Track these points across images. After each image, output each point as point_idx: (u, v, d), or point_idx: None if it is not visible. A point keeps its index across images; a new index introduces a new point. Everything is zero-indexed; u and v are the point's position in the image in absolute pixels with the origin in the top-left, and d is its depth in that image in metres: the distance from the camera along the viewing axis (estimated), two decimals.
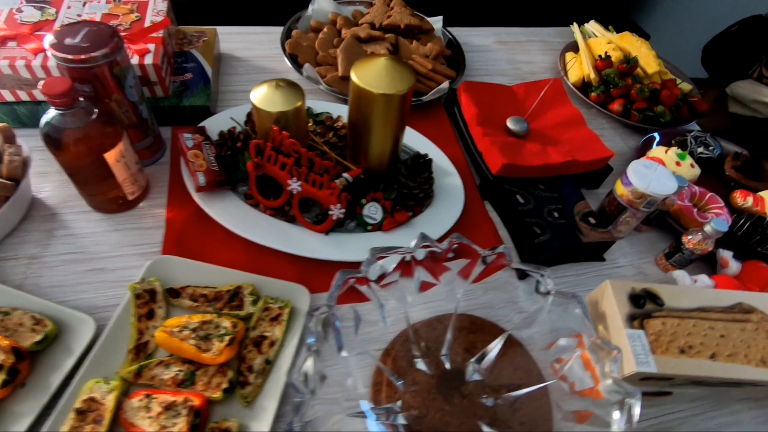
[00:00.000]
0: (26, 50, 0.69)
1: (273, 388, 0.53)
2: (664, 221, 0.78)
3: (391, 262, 0.54)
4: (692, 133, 0.92)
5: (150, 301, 0.56)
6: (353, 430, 0.50)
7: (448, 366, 0.58)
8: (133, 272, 0.60)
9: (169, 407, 0.48)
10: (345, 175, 0.66)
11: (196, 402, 0.48)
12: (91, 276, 0.61)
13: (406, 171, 0.71)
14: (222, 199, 0.68)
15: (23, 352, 0.50)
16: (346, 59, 0.90)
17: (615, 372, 0.47)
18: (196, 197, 0.67)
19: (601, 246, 0.73)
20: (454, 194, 0.76)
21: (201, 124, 0.75)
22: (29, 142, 0.65)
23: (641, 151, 0.89)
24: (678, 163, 0.82)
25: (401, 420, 0.53)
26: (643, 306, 0.55)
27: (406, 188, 0.71)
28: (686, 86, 1.07)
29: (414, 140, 0.83)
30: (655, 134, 0.93)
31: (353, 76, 0.60)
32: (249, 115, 0.78)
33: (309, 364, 0.44)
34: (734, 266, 0.71)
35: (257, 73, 0.94)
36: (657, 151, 0.85)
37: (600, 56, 1.05)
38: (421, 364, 0.57)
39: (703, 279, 0.69)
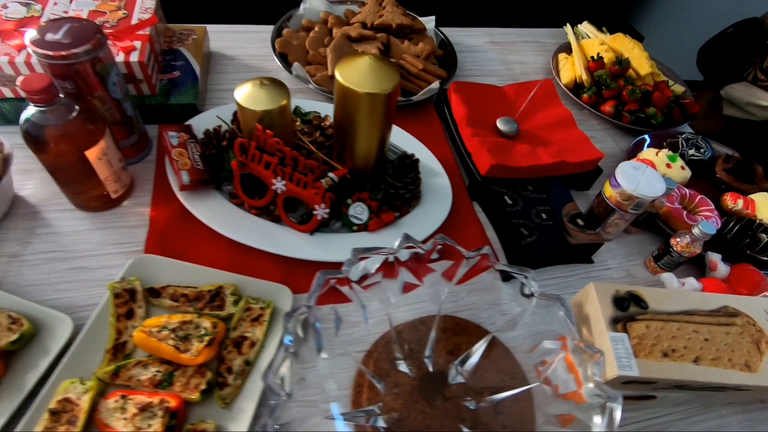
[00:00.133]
0: (10, 46, 0.68)
1: (252, 390, 0.52)
2: (654, 223, 0.78)
3: (373, 263, 0.53)
4: (683, 135, 0.92)
5: (129, 300, 0.56)
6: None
7: (430, 368, 0.57)
8: (116, 271, 0.60)
9: (144, 408, 0.47)
10: (331, 174, 0.65)
11: (172, 403, 0.48)
12: (72, 275, 0.61)
13: (393, 171, 0.70)
14: (206, 198, 0.67)
15: None
16: (335, 58, 0.89)
17: (597, 375, 0.47)
18: (180, 196, 0.66)
19: (589, 248, 0.72)
20: (442, 195, 0.76)
21: (187, 123, 0.75)
22: (13, 139, 0.64)
23: (632, 153, 0.88)
24: (668, 165, 0.81)
25: (381, 423, 0.52)
26: (627, 309, 0.54)
27: (393, 188, 0.70)
28: (679, 88, 1.07)
29: (403, 140, 0.82)
30: (646, 136, 0.92)
31: (338, 75, 0.60)
32: (235, 113, 0.77)
33: (286, 366, 0.44)
34: (723, 269, 0.71)
35: (246, 71, 0.94)
36: (648, 153, 0.84)
37: (592, 57, 1.05)
38: (403, 366, 0.57)
39: (691, 282, 0.68)
